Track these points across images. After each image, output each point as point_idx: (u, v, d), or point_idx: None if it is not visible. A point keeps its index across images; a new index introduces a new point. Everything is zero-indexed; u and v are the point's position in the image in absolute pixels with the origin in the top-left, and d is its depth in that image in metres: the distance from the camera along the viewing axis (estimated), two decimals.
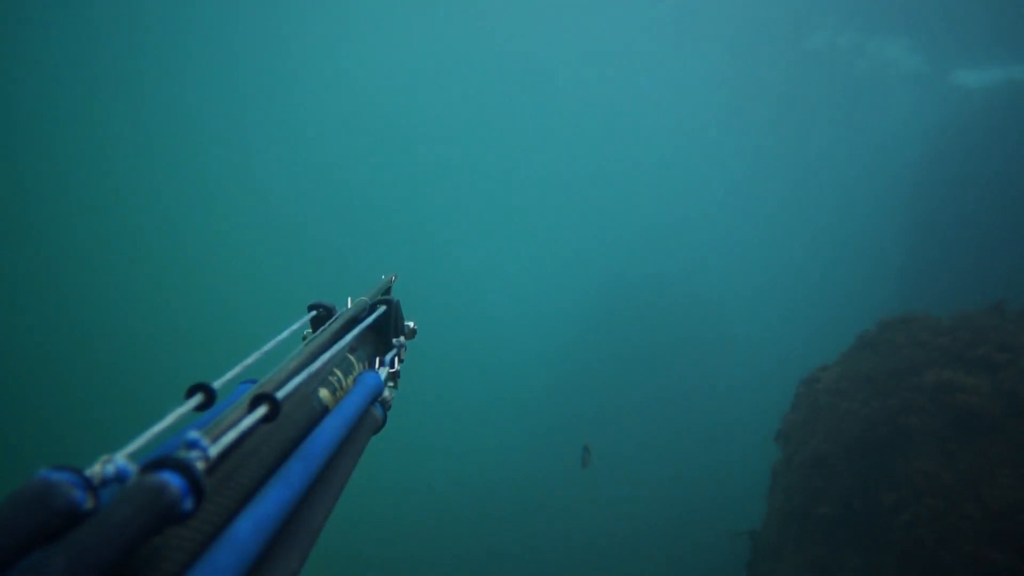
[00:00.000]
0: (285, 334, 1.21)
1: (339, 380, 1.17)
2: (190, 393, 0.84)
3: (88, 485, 0.63)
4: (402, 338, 1.55)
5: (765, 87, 34.84)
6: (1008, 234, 20.12)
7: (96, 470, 0.65)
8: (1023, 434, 6.28)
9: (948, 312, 8.10)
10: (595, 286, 35.25)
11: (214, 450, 0.72)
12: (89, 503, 0.62)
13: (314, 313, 1.39)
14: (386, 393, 1.31)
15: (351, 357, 1.29)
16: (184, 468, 0.65)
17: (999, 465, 6.22)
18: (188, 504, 0.65)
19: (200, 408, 0.87)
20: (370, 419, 1.21)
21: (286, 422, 0.93)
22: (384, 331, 1.49)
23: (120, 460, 0.66)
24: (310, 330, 1.37)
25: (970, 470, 6.33)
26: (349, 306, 1.42)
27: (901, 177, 27.39)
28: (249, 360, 1.01)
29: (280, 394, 0.86)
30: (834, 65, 31.25)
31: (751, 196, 43.79)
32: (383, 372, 1.31)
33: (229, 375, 0.95)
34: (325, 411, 1.06)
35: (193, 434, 0.72)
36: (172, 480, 0.64)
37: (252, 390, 0.87)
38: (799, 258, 42.14)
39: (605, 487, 22.12)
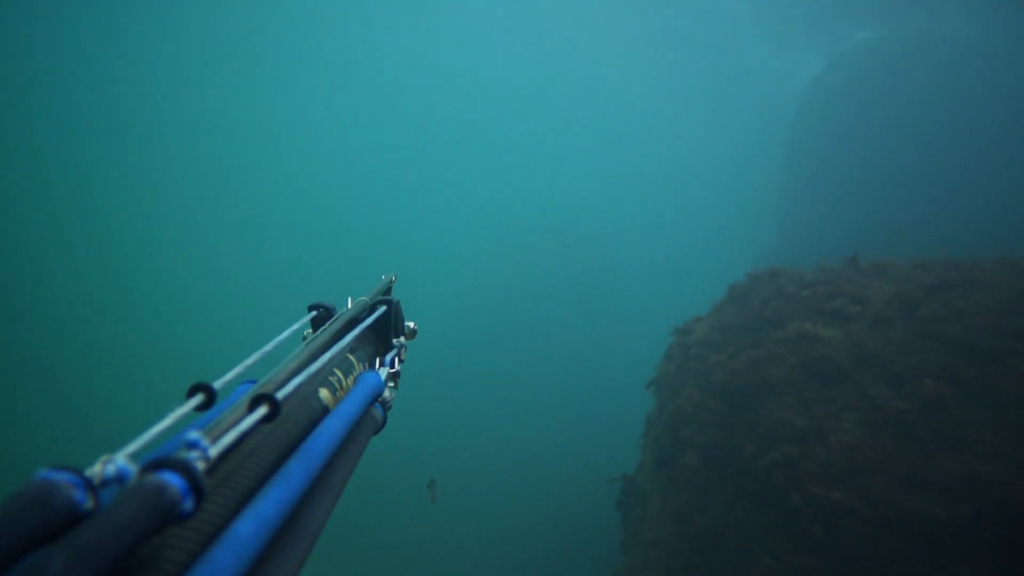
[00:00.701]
0: (285, 334, 1.22)
1: (339, 380, 1.19)
2: (191, 393, 0.84)
3: (88, 485, 0.63)
4: (402, 338, 1.57)
5: (650, 45, 35.87)
6: (874, 184, 21.63)
7: (96, 470, 0.66)
8: (867, 381, 6.72)
9: (819, 262, 8.57)
10: (484, 245, 35.47)
11: (214, 450, 0.73)
12: (89, 503, 0.62)
13: (314, 313, 1.41)
14: (386, 393, 1.31)
15: (351, 357, 1.31)
16: (184, 468, 0.66)
17: (845, 410, 6.66)
18: (188, 504, 0.66)
19: (201, 408, 0.87)
20: (370, 419, 1.21)
21: (286, 422, 0.95)
22: (384, 331, 1.51)
23: (120, 460, 0.67)
24: (310, 330, 1.39)
25: (821, 416, 6.75)
26: (349, 306, 1.44)
27: (780, 130, 28.79)
28: (249, 360, 1.03)
29: (280, 394, 0.86)
30: (715, 21, 32.41)
31: (636, 156, 45.41)
32: (383, 372, 1.32)
33: (229, 375, 0.96)
34: (325, 411, 1.08)
35: (193, 434, 0.73)
36: (172, 480, 0.65)
37: (252, 390, 0.87)
38: (684, 210, 44.17)
39: (498, 437, 22.61)
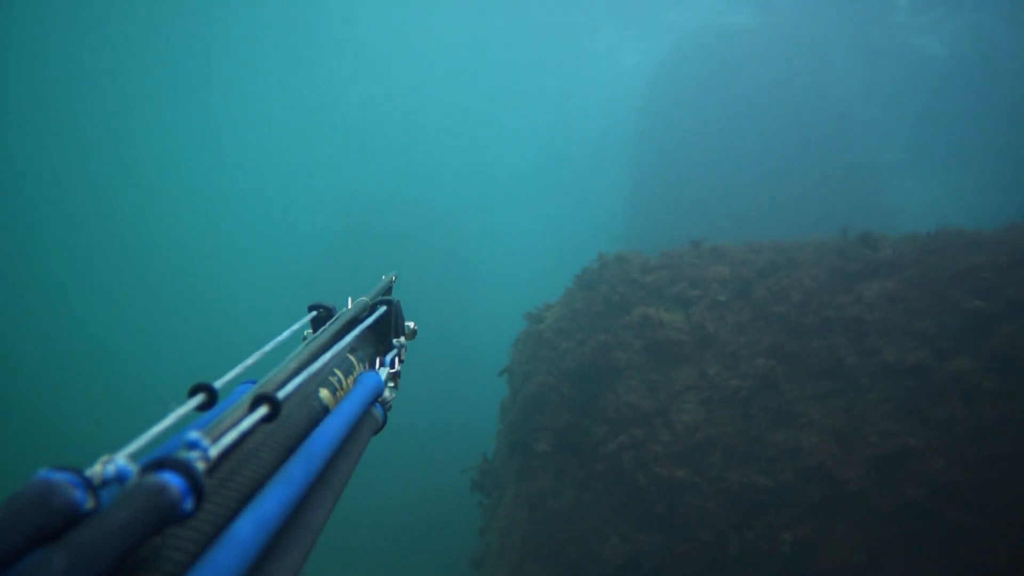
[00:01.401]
0: (285, 334, 1.25)
1: (339, 380, 1.20)
2: (191, 393, 0.85)
3: (88, 485, 0.64)
4: (402, 338, 1.58)
5: (498, 37, 37.85)
6: (718, 168, 23.09)
7: (96, 470, 0.66)
8: (706, 362, 7.08)
9: (667, 246, 8.91)
10: (336, 228, 34.99)
11: (214, 450, 0.73)
12: (89, 503, 0.62)
13: (314, 313, 1.43)
14: (386, 393, 1.33)
15: (351, 357, 1.32)
16: (184, 468, 0.66)
17: (686, 391, 6.98)
18: (188, 504, 0.66)
19: (201, 408, 0.89)
20: (370, 419, 1.23)
21: (286, 422, 0.96)
22: (384, 331, 1.52)
23: (120, 460, 0.68)
24: (310, 330, 1.40)
25: (664, 399, 7.04)
26: (349, 306, 1.45)
27: (627, 114, 30.05)
28: (250, 360, 1.04)
29: (281, 394, 0.86)
30: (559, 10, 33.95)
31: (490, 146, 46.42)
32: (383, 372, 1.34)
33: (230, 375, 0.97)
34: (325, 411, 1.09)
35: (193, 434, 0.73)
36: (172, 480, 0.65)
37: (253, 390, 0.88)
38: (540, 197, 45.68)
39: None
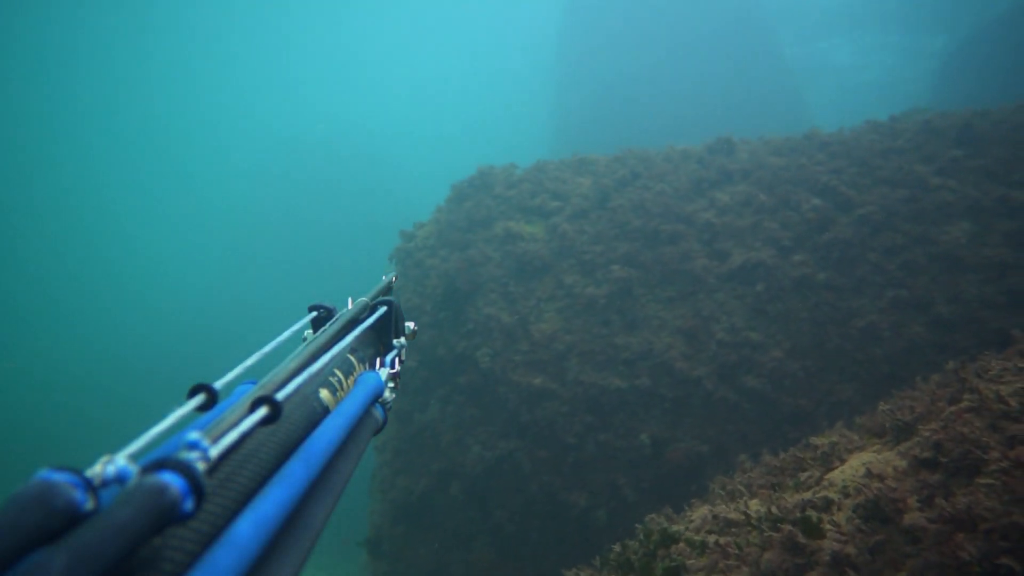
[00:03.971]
0: (286, 335, 1.27)
1: (340, 381, 1.23)
2: (192, 394, 0.87)
3: (89, 486, 0.64)
4: (402, 339, 1.60)
5: None
6: (641, 72, 23.33)
7: (97, 471, 0.67)
8: (564, 272, 7.34)
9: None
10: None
11: (214, 451, 0.74)
12: (90, 504, 0.63)
13: (315, 314, 1.45)
14: (386, 394, 1.33)
15: (352, 358, 1.34)
16: (184, 469, 0.68)
17: (545, 302, 7.24)
18: (188, 505, 0.67)
19: (202, 408, 0.91)
20: (370, 420, 1.24)
21: (287, 423, 0.98)
22: (384, 332, 1.55)
23: (121, 461, 0.68)
24: (311, 331, 1.42)
25: (525, 310, 7.28)
26: (349, 307, 1.47)
27: (550, 31, 29.88)
28: (250, 361, 1.06)
29: (280, 395, 0.88)
30: None
31: (421, 74, 46.42)
32: (384, 373, 1.35)
33: (230, 376, 0.99)
34: (326, 412, 1.11)
35: (193, 435, 0.74)
36: (173, 481, 0.66)
37: (253, 391, 0.89)
38: (468, 122, 46.08)
39: None
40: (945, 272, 6.47)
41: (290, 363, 1.06)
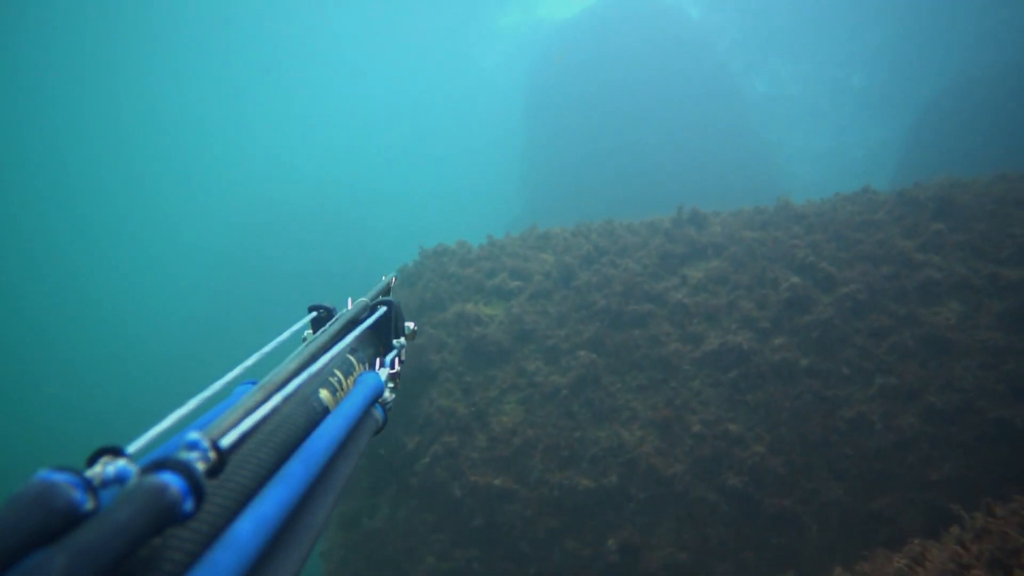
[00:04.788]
0: (285, 335, 1.28)
1: (339, 381, 1.24)
2: (94, 457, 0.78)
3: (88, 486, 0.65)
4: (402, 339, 1.62)
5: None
6: (610, 143, 23.25)
7: (96, 471, 0.69)
8: (526, 357, 6.77)
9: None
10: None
11: (214, 452, 0.75)
12: (89, 504, 0.64)
13: (314, 314, 1.48)
14: (386, 394, 1.35)
15: (351, 358, 1.36)
16: (184, 469, 0.68)
17: (504, 392, 6.64)
18: (188, 505, 0.68)
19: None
20: (370, 420, 1.25)
21: (287, 423, 0.99)
22: (384, 332, 1.57)
23: (120, 461, 0.70)
24: (310, 331, 1.45)
25: (483, 401, 6.67)
26: (349, 307, 1.49)
27: (517, 106, 30.27)
28: (250, 361, 1.07)
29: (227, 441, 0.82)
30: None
31: (390, 142, 48.03)
32: (383, 373, 1.37)
33: (230, 376, 0.99)
34: (325, 412, 1.12)
35: (193, 435, 0.75)
36: (172, 481, 0.67)
37: (252, 391, 0.90)
38: (438, 186, 47.06)
39: None
40: (936, 357, 5.97)
41: (290, 363, 1.05)
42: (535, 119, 26.77)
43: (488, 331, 6.99)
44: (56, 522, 0.60)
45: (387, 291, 1.72)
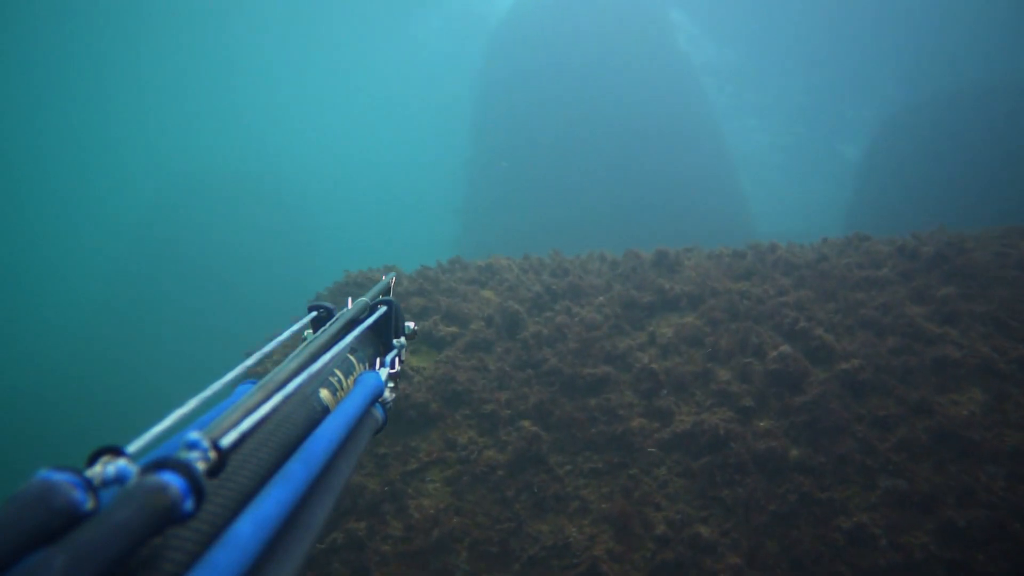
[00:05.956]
0: (285, 335, 1.29)
1: (340, 381, 1.26)
2: (93, 458, 0.80)
3: (89, 486, 0.65)
4: (403, 339, 1.64)
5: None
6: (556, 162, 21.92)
7: (97, 471, 0.69)
8: (456, 425, 5.50)
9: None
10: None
11: (214, 451, 0.76)
12: (90, 504, 0.64)
13: (314, 314, 1.49)
14: (386, 394, 1.37)
15: (352, 358, 1.39)
16: (184, 469, 0.69)
17: (428, 468, 5.35)
18: (188, 505, 0.68)
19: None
20: (370, 419, 1.28)
21: (287, 423, 1.00)
22: (384, 332, 1.59)
23: (121, 461, 0.70)
24: (310, 331, 1.47)
25: (399, 478, 5.39)
26: (349, 307, 1.48)
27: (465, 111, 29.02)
28: (250, 361, 1.07)
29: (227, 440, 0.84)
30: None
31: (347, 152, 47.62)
32: (383, 373, 1.38)
33: (230, 375, 0.99)
34: (326, 411, 1.15)
35: (193, 435, 0.75)
36: (172, 481, 0.67)
37: (251, 391, 0.90)
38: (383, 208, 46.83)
39: None
40: (955, 459, 4.93)
41: (290, 363, 1.05)
42: (483, 129, 25.29)
43: (411, 389, 5.67)
44: (56, 522, 0.60)
45: (387, 291, 1.70)
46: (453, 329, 6.03)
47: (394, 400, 1.42)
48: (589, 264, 6.77)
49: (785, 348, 5.56)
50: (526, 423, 5.49)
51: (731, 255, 6.69)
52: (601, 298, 6.19)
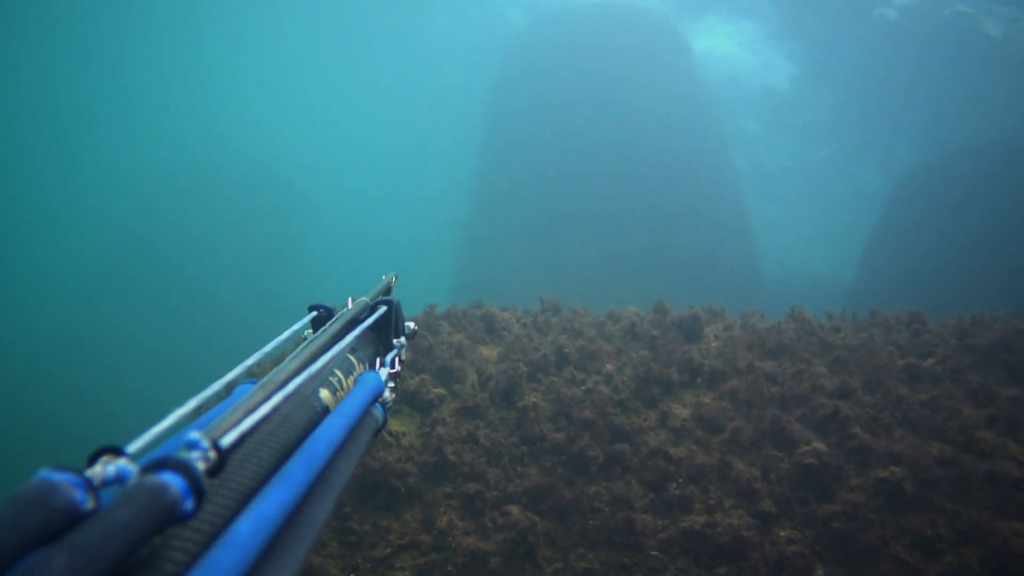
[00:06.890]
0: (286, 335, 1.27)
1: (340, 380, 1.25)
2: (94, 457, 0.79)
3: (89, 486, 0.65)
4: (403, 339, 1.62)
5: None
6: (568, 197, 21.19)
7: (97, 471, 0.68)
8: (438, 504, 4.86)
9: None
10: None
11: (214, 451, 0.75)
12: (90, 503, 0.64)
13: (314, 314, 1.48)
14: (386, 393, 1.35)
15: (352, 358, 1.38)
16: (184, 469, 0.68)
17: (399, 553, 4.72)
18: (189, 505, 0.67)
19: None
20: (370, 419, 1.25)
21: (287, 423, 0.99)
22: (384, 332, 1.57)
23: (121, 461, 0.69)
24: (311, 331, 1.45)
25: (368, 562, 4.76)
26: (349, 307, 1.49)
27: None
28: (250, 361, 1.05)
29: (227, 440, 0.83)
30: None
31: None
32: (383, 373, 1.37)
33: (230, 375, 0.98)
34: (326, 411, 1.14)
35: (193, 435, 0.74)
36: (173, 481, 0.66)
37: (251, 391, 0.90)
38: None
39: None
40: None
41: (290, 363, 1.04)
42: (492, 145, 24.58)
43: (391, 458, 5.05)
44: (56, 521, 0.59)
45: (387, 291, 1.69)
46: (441, 391, 5.39)
47: (393, 400, 1.40)
48: (602, 324, 6.12)
49: (818, 444, 4.89)
50: (515, 510, 4.85)
51: (765, 329, 6.00)
52: (610, 366, 5.54)
